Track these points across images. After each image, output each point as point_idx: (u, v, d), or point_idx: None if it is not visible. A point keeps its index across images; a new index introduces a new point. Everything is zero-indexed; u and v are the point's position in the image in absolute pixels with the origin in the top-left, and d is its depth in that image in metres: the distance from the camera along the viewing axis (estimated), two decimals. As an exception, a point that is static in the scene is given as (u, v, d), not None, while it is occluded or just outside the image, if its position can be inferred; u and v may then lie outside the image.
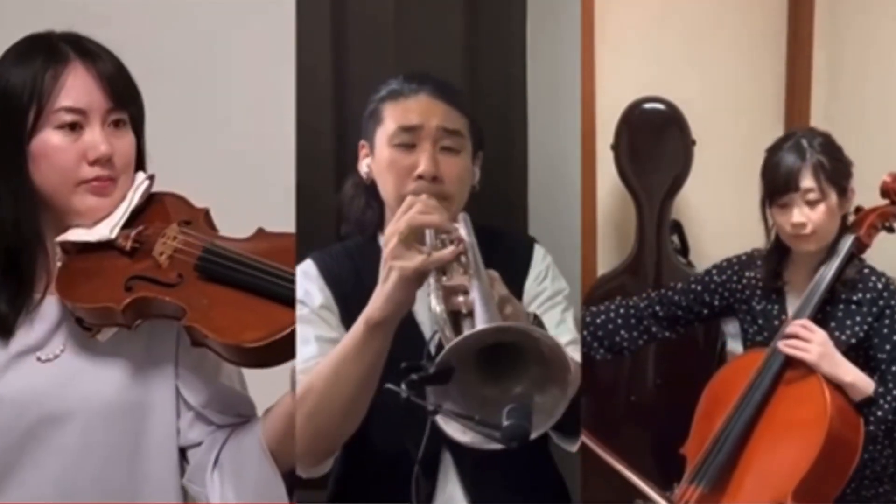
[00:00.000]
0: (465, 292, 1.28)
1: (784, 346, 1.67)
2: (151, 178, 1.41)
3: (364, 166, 1.64)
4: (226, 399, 1.39)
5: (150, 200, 1.41)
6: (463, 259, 1.33)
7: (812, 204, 1.71)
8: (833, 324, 1.73)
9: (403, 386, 1.15)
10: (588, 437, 1.70)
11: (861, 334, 1.72)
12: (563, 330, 1.55)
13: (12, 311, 1.34)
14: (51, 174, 1.32)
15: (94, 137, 1.32)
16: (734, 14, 2.48)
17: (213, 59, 2.10)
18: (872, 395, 1.63)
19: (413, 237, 1.33)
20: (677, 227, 2.43)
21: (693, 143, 2.29)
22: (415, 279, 1.31)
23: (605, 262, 2.45)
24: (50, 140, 1.31)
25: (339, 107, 2.17)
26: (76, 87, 1.31)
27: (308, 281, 1.60)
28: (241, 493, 1.33)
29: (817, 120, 2.44)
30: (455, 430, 1.20)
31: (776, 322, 1.81)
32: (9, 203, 1.33)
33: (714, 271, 1.93)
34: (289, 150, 1.95)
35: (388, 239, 1.33)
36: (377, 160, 1.60)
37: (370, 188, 1.65)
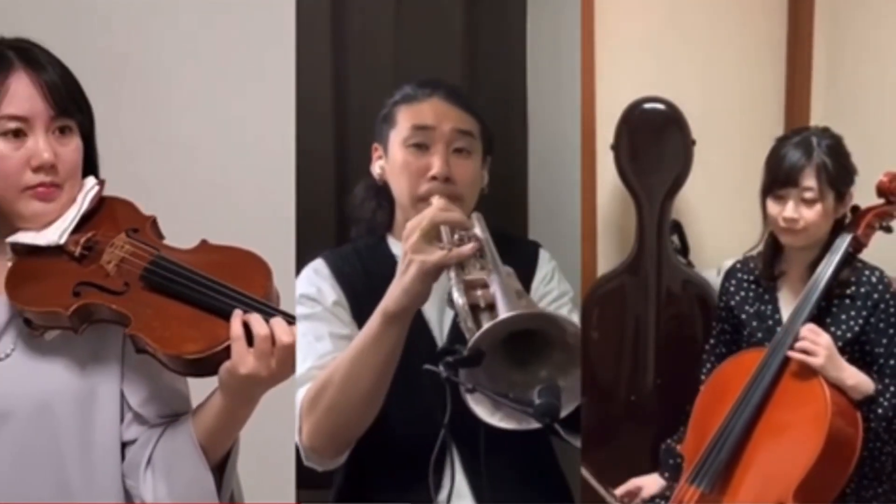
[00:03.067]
0: (484, 286, 1.32)
1: (790, 350, 1.67)
2: (101, 183, 1.43)
3: (377, 168, 1.69)
4: (164, 398, 1.41)
5: (100, 205, 1.43)
6: (480, 255, 1.37)
7: (808, 202, 1.72)
8: (829, 319, 1.74)
9: (441, 367, 1.20)
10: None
11: (856, 328, 1.72)
12: None
13: None
14: None
15: (38, 145, 1.33)
16: (734, 14, 2.47)
17: (213, 61, 2.10)
18: (872, 394, 1.64)
19: (434, 232, 1.37)
20: (677, 227, 2.43)
21: (693, 143, 2.28)
22: (433, 273, 1.34)
23: (605, 262, 2.45)
24: None
25: (340, 107, 2.18)
26: (18, 95, 1.33)
27: (320, 279, 1.63)
28: (173, 489, 1.35)
29: (817, 120, 2.43)
30: (484, 411, 1.24)
31: (770, 322, 1.82)
32: None
33: (718, 302, 1.96)
34: (288, 153, 1.96)
35: (409, 233, 1.36)
36: (391, 161, 1.64)
37: (381, 190, 1.69)
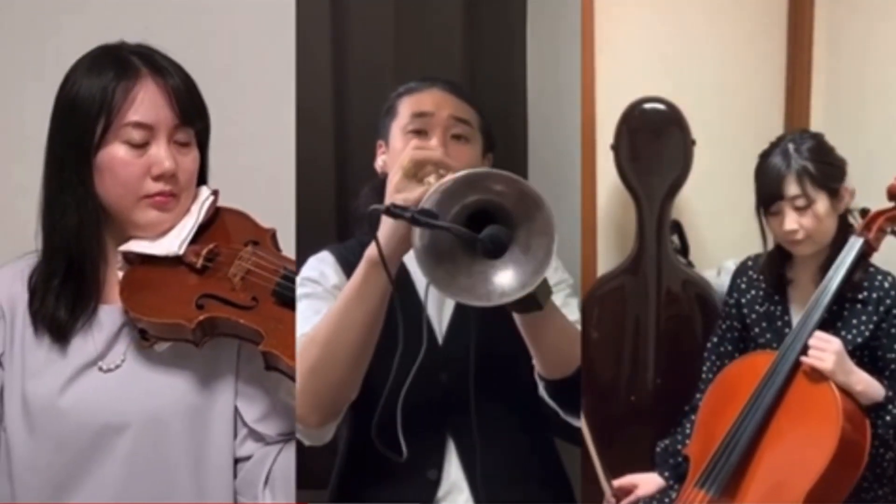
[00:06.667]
0: None
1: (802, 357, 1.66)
2: (216, 193, 1.42)
3: (380, 162, 1.71)
4: (281, 415, 1.38)
5: (215, 216, 1.41)
6: None
7: (801, 210, 1.72)
8: (839, 323, 1.73)
9: (388, 206, 1.24)
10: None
11: (867, 333, 1.72)
12: (567, 311, 1.57)
13: (71, 318, 1.34)
14: (115, 187, 1.33)
15: (160, 153, 1.32)
16: (734, 14, 2.47)
17: (211, 60, 2.08)
18: (881, 400, 1.62)
19: (415, 171, 1.35)
20: (677, 227, 2.42)
21: (693, 143, 2.28)
22: None
23: (605, 262, 2.45)
24: (116, 154, 1.32)
25: (339, 107, 2.17)
26: (146, 103, 1.32)
27: (324, 265, 1.64)
28: None
29: (817, 120, 2.44)
30: (442, 284, 1.25)
31: (779, 323, 1.81)
32: (72, 211, 1.33)
33: (727, 298, 1.94)
34: (289, 154, 1.94)
35: (392, 175, 1.36)
36: (391, 150, 1.66)
37: (384, 186, 1.66)
